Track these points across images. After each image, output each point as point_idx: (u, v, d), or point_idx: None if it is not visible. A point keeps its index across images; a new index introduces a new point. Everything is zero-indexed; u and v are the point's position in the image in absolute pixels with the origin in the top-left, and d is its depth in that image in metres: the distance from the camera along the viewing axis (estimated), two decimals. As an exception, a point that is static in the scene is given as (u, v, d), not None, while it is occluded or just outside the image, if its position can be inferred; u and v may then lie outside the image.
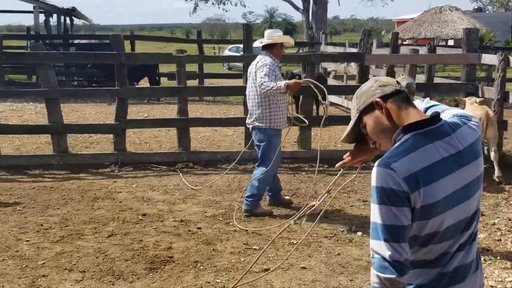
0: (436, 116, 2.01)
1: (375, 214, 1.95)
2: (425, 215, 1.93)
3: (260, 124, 6.12)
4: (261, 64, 6.01)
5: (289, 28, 66.76)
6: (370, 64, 9.63)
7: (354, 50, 14.97)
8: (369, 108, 2.06)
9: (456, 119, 2.08)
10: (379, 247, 1.92)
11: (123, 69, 8.41)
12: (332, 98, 12.15)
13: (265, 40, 6.23)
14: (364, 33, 10.16)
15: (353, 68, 14.00)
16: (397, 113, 2.02)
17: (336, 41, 34.36)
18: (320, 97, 5.89)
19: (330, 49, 17.37)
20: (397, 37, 14.73)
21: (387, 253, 1.90)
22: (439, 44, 27.52)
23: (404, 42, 28.77)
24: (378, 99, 2.03)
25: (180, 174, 7.85)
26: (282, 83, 5.85)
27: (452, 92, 11.90)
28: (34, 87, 14.89)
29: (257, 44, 6.42)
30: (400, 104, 2.02)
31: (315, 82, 6.08)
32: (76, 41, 21.62)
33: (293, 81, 5.95)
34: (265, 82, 5.84)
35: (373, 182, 1.96)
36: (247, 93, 6.36)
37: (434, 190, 1.93)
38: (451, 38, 31.75)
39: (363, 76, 9.09)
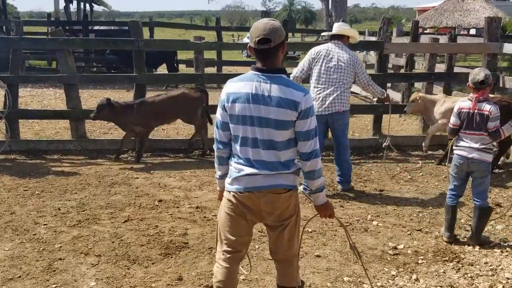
0: (278, 69, 3.14)
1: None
2: (230, 120, 3.17)
3: (345, 108, 6.45)
4: (357, 60, 6.52)
5: (308, 16, 66.32)
6: (389, 53, 9.52)
7: (373, 38, 14.83)
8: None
9: (300, 88, 3.14)
10: (215, 131, 3.30)
11: (141, 56, 8.44)
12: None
13: (334, 31, 6.66)
14: (384, 22, 10.00)
15: (372, 57, 13.89)
16: (255, 57, 3.15)
17: (356, 29, 34.10)
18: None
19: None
20: (418, 26, 14.52)
21: (215, 134, 3.30)
22: (461, 33, 27.18)
23: (425, 31, 28.43)
24: (249, 46, 3.14)
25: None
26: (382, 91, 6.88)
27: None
28: (54, 73, 15.04)
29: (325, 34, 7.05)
30: (255, 54, 3.13)
31: None
32: (96, 28, 21.72)
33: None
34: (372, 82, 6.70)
35: None
36: (323, 79, 6.46)
37: (235, 107, 3.12)
38: (473, 27, 31.30)
39: (382, 64, 9.00)
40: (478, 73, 4.96)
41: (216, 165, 3.42)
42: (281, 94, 3.07)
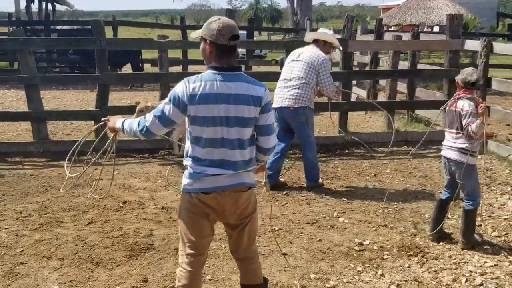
0: (232, 67, 3.11)
1: (164, 102, 3.17)
2: (193, 122, 3.10)
3: (298, 105, 6.39)
4: (322, 62, 6.44)
5: (274, 14, 66.51)
6: (353, 50, 9.59)
7: (338, 36, 14.92)
8: (204, 38, 3.14)
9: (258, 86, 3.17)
10: (150, 116, 3.22)
11: (103, 55, 8.30)
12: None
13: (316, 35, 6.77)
14: (348, 19, 10.10)
15: (337, 54, 13.96)
16: (212, 55, 3.12)
17: (322, 27, 34.29)
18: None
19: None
20: (381, 24, 14.69)
21: (150, 120, 3.20)
22: (424, 30, 27.58)
23: (390, 29, 28.77)
24: (207, 39, 3.11)
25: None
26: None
27: (435, 78, 11.94)
28: (16, 74, 14.72)
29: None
30: (216, 52, 3.09)
31: None
32: (58, 27, 21.34)
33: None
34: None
35: (175, 87, 3.13)
36: (284, 75, 6.57)
37: (202, 109, 3.04)
38: (437, 25, 31.82)
39: (347, 62, 9.05)
40: (472, 74, 4.74)
41: (128, 130, 3.37)
42: (246, 92, 3.10)
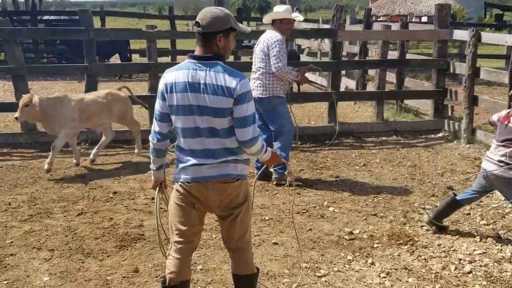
0: (213, 56, 3.10)
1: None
2: (170, 111, 3.15)
3: (262, 95, 6.36)
4: (271, 44, 6.28)
5: (263, 5, 66.28)
6: (342, 40, 9.58)
7: (327, 26, 14.91)
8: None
9: (236, 74, 3.08)
10: (153, 123, 3.27)
11: (92, 45, 8.25)
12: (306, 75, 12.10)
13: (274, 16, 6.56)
14: (337, 9, 10.06)
15: (326, 45, 13.95)
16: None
17: (310, 18, 34.20)
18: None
19: (303, 26, 17.27)
20: (370, 14, 14.69)
21: (154, 125, 3.25)
22: (413, 20, 27.64)
23: (378, 19, 28.80)
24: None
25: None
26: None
27: (423, 67, 12.00)
28: (3, 64, 14.57)
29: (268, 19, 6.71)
30: (197, 41, 3.13)
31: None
32: (45, 18, 21.14)
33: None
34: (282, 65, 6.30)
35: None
36: (256, 66, 6.50)
37: (174, 98, 3.09)
38: (425, 15, 31.90)
39: (336, 52, 9.05)
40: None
41: (152, 157, 3.40)
42: (216, 82, 3.05)
